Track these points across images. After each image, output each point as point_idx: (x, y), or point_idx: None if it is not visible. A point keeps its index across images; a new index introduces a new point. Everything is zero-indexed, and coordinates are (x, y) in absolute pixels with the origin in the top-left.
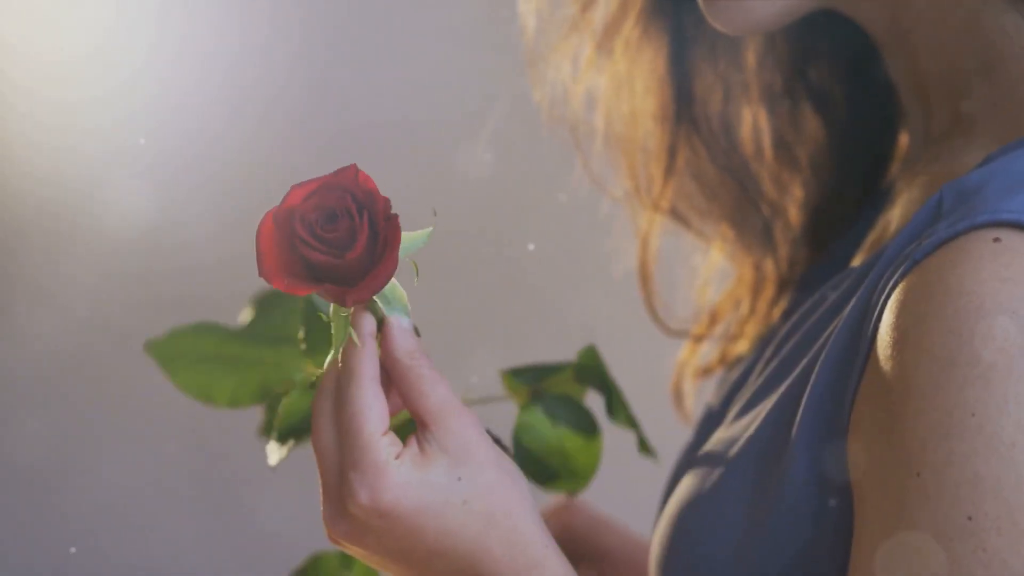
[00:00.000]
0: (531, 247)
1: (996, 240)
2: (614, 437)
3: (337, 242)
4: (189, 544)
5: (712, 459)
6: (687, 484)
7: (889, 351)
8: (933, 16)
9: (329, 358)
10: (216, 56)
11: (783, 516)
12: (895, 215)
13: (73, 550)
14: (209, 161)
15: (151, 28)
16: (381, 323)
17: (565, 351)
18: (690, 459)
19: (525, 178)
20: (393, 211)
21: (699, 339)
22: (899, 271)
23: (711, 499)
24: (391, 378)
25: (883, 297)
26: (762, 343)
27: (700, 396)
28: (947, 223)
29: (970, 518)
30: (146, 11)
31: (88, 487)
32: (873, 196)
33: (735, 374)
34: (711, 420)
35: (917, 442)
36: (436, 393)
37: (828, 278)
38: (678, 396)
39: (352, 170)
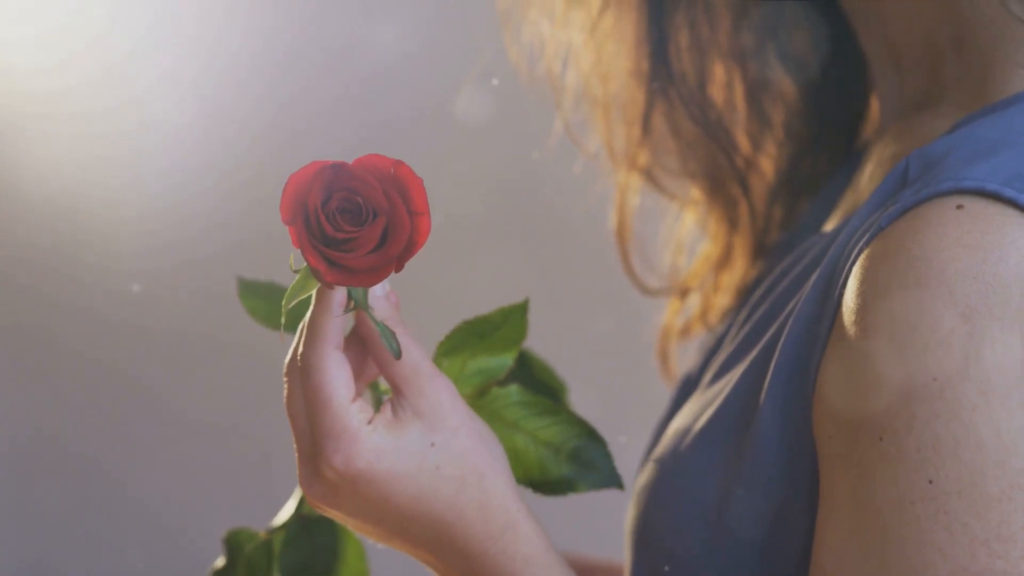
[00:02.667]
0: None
1: (959, 207)
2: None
3: (354, 242)
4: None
5: (684, 427)
6: (660, 453)
7: (852, 317)
8: None
9: (300, 325)
10: (216, 57)
11: (754, 482)
12: (866, 183)
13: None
14: (210, 162)
15: (152, 30)
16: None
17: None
18: (665, 427)
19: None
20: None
21: (679, 298)
22: (864, 238)
23: (683, 468)
24: (367, 345)
25: (848, 264)
26: (736, 308)
27: (686, 358)
28: (912, 191)
29: (931, 482)
30: (146, 13)
31: (88, 485)
32: (846, 162)
33: (711, 339)
34: (688, 386)
35: (879, 406)
36: (411, 358)
37: (801, 243)
38: (663, 358)
39: (390, 164)
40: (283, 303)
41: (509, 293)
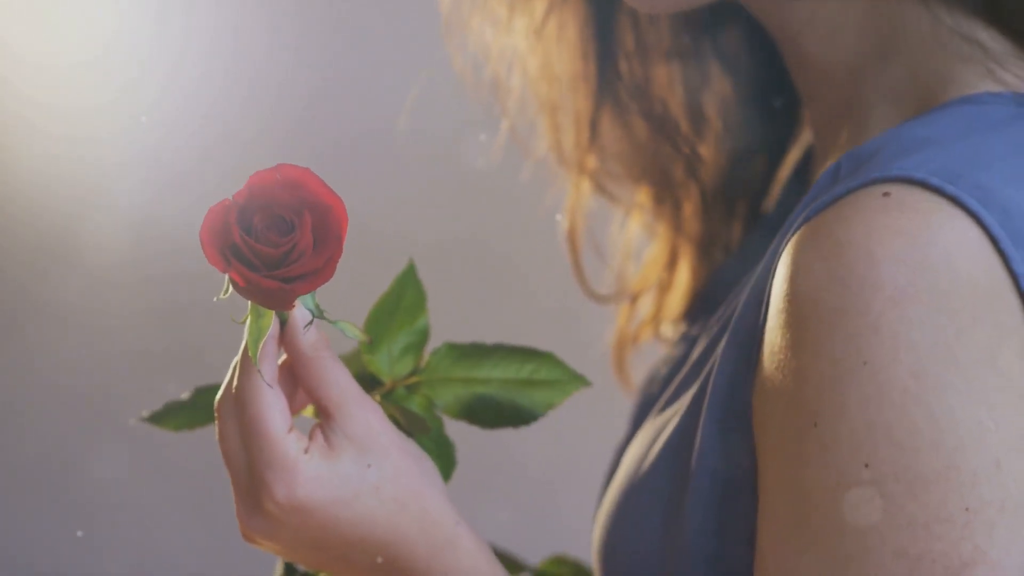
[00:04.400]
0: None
1: (886, 194)
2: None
3: (296, 247)
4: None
5: (641, 452)
6: (619, 479)
7: (780, 304)
8: (825, 11)
9: (233, 362)
10: (215, 60)
11: (698, 491)
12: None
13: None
14: (208, 166)
15: (151, 35)
16: (284, 323)
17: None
18: (625, 448)
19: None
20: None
21: (629, 305)
22: (792, 231)
23: (638, 495)
24: (295, 372)
25: (778, 257)
26: (691, 318)
27: (642, 364)
28: (842, 185)
29: (867, 466)
30: (145, 17)
31: (89, 488)
32: (800, 179)
33: (673, 357)
34: (646, 404)
35: (812, 393)
36: (339, 383)
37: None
38: (619, 367)
39: (294, 172)
40: (250, 353)
41: (467, 303)
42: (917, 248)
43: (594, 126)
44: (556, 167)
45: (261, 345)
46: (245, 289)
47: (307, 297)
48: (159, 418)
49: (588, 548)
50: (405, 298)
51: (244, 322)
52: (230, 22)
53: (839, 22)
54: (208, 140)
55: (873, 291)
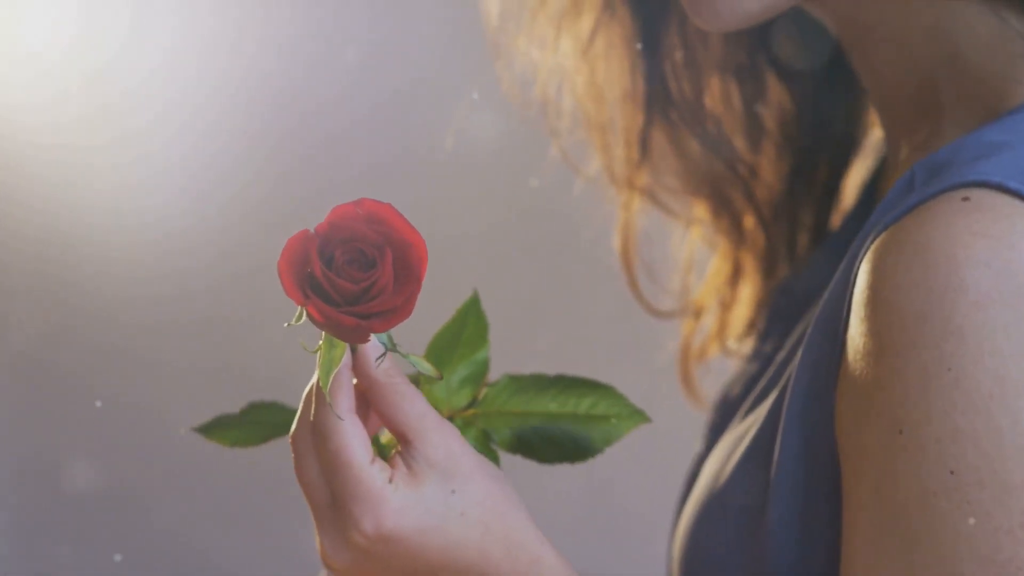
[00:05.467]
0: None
1: (965, 199)
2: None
3: (375, 285)
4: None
5: (719, 465)
6: (696, 492)
7: (863, 312)
8: (895, 17)
9: (305, 391)
10: (215, 62)
11: (779, 499)
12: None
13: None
14: (212, 175)
15: (150, 39)
16: (354, 350)
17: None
18: (704, 459)
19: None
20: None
21: (693, 319)
22: (871, 237)
23: (717, 505)
24: (369, 399)
25: (858, 264)
26: (764, 328)
27: (715, 379)
28: (919, 193)
29: (952, 472)
30: (145, 21)
31: (90, 490)
32: (870, 189)
33: (756, 362)
34: (726, 411)
35: (896, 400)
36: (415, 409)
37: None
38: (686, 381)
39: (383, 210)
40: (321, 384)
41: (519, 320)
42: (1000, 251)
43: (644, 144)
44: (607, 185)
45: (333, 375)
46: (322, 323)
47: (383, 333)
48: (209, 430)
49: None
50: (467, 329)
51: (316, 352)
52: (233, 32)
53: (908, 28)
54: (211, 149)
55: (956, 295)
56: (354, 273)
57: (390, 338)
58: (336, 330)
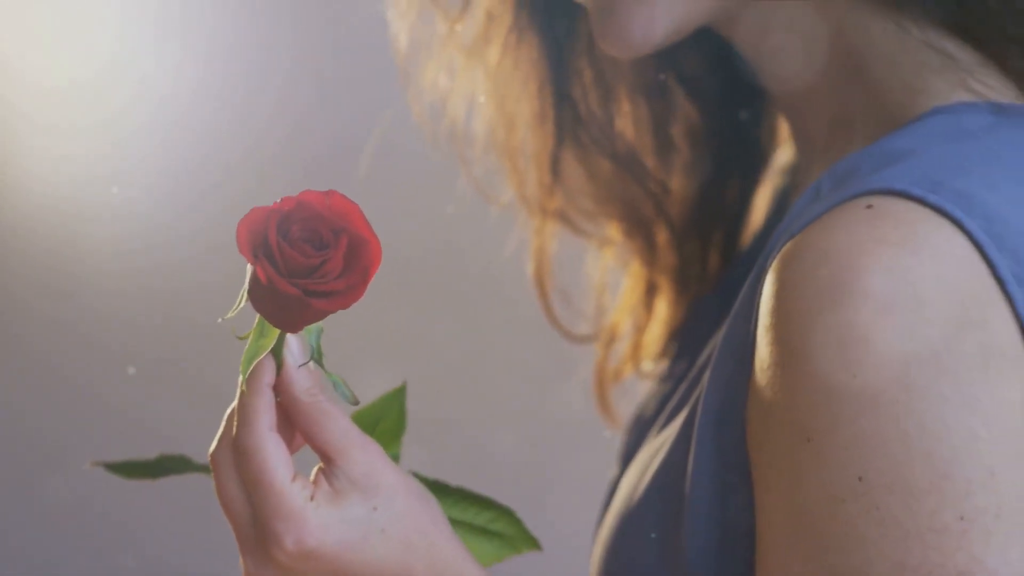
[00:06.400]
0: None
1: (868, 207)
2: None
3: (325, 265)
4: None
5: (635, 480)
6: (614, 507)
7: (768, 320)
8: (799, 33)
9: (228, 410)
10: (214, 65)
11: (693, 510)
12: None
13: None
14: (208, 179)
15: (151, 44)
16: (279, 368)
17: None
18: (616, 482)
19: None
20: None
21: (608, 341)
22: (778, 248)
23: (633, 519)
24: (291, 417)
25: (764, 275)
26: (677, 346)
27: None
28: (824, 202)
29: (860, 479)
30: (144, 37)
31: (87, 491)
32: (756, 190)
33: (667, 381)
34: (641, 429)
35: (803, 408)
36: (338, 427)
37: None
38: (602, 402)
39: (336, 200)
40: (242, 367)
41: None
42: (903, 257)
43: (555, 167)
44: (521, 210)
45: (253, 367)
46: (263, 289)
47: (312, 334)
48: (115, 467)
49: None
50: (386, 421)
51: (245, 338)
52: (227, 39)
53: (811, 41)
54: (206, 156)
55: (860, 302)
56: (306, 248)
57: (319, 347)
58: (275, 303)
